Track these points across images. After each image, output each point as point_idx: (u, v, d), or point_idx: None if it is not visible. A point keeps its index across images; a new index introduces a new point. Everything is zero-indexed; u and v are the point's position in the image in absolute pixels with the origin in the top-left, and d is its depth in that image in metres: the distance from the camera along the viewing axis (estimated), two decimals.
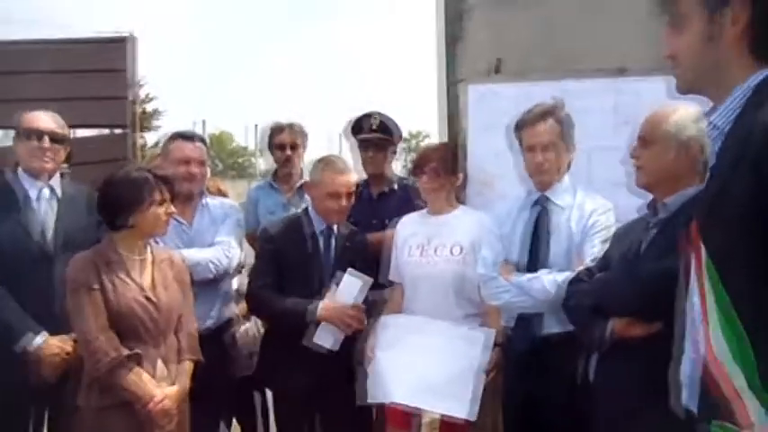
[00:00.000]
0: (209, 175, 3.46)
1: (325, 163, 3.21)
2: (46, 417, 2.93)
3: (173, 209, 2.71)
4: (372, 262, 3.25)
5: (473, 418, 2.89)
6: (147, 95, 17.26)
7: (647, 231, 2.25)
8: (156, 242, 2.85)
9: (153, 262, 2.69)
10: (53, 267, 2.80)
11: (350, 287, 3.01)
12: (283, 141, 4.09)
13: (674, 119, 2.20)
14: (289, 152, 4.07)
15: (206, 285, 3.08)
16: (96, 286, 2.52)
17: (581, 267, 2.54)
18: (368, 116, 3.78)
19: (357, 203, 3.60)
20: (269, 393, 3.56)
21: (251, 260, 3.55)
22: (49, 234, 2.88)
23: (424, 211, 3.28)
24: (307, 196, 3.39)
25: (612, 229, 2.64)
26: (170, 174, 2.85)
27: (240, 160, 47.23)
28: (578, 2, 3.31)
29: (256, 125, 16.72)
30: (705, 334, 1.40)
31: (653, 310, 2.03)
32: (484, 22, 3.44)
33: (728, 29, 1.43)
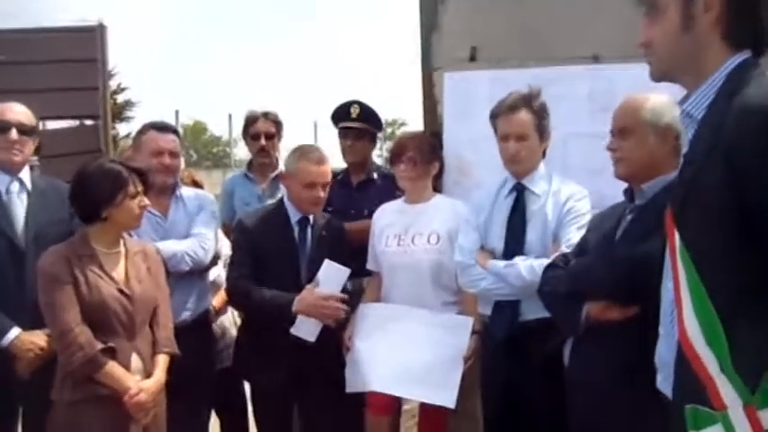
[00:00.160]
0: (183, 166, 3.42)
1: (301, 153, 3.18)
2: (20, 413, 2.89)
3: (147, 201, 2.68)
4: (350, 251, 3.24)
5: (452, 406, 2.91)
6: (118, 86, 16.99)
7: (624, 218, 2.27)
8: (131, 235, 2.82)
9: (126, 255, 2.66)
10: (25, 262, 2.76)
11: (328, 278, 3.00)
12: (258, 131, 4.03)
13: (650, 106, 2.21)
14: (264, 142, 4.01)
15: (182, 277, 3.06)
16: (69, 280, 2.49)
17: (557, 253, 2.57)
18: (349, 105, 3.76)
19: (337, 192, 3.60)
20: (247, 385, 3.55)
21: (227, 251, 3.52)
22: (20, 228, 2.83)
23: (402, 200, 3.28)
24: (282, 186, 3.37)
25: (588, 216, 2.67)
26: (144, 166, 2.82)
27: (215, 150, 46.87)
28: None
29: (230, 114, 16.52)
30: (678, 317, 1.42)
31: (629, 294, 2.06)
32: (459, 11, 3.44)
33: (702, 17, 1.44)
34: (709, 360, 1.34)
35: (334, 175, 3.70)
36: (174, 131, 3.32)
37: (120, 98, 17.55)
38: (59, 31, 4.64)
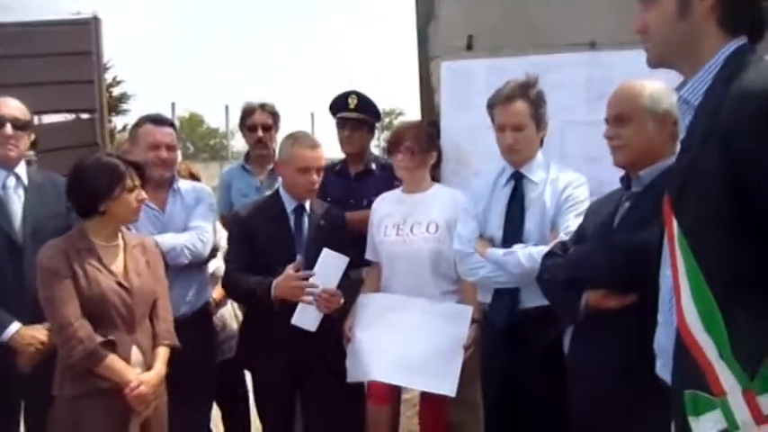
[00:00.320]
0: (180, 158, 3.41)
1: (294, 139, 3.20)
2: (22, 407, 2.89)
3: (144, 195, 2.68)
4: (350, 240, 3.24)
5: (453, 394, 2.92)
6: (114, 79, 16.92)
7: (621, 205, 2.27)
8: (129, 229, 2.82)
9: (125, 248, 2.66)
10: (23, 257, 2.75)
11: (327, 266, 3.00)
12: (255, 122, 4.02)
13: (649, 93, 2.21)
14: (261, 133, 4.00)
15: (181, 271, 3.06)
16: (68, 274, 2.49)
17: (555, 241, 2.57)
18: (347, 95, 3.75)
19: (335, 182, 3.60)
20: (248, 376, 3.56)
21: (225, 244, 3.52)
22: (17, 224, 2.82)
23: (400, 189, 3.28)
24: (279, 177, 3.37)
25: (586, 203, 2.67)
26: (140, 159, 2.81)
27: (212, 142, 46.75)
28: None
29: (227, 106, 16.44)
30: (677, 304, 1.42)
31: (627, 282, 2.06)
32: (456, 0, 3.43)
33: (698, 4, 1.44)
34: (707, 346, 1.34)
35: (332, 165, 3.71)
36: (171, 124, 3.30)
37: (116, 91, 17.49)
38: (54, 24, 4.61)
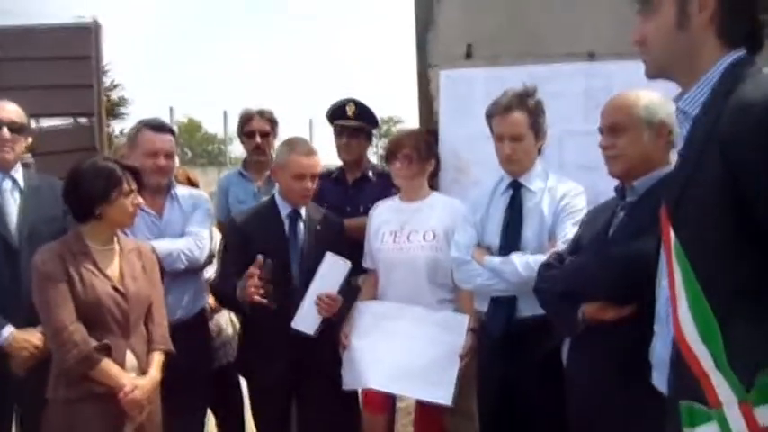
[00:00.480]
0: (177, 164, 3.41)
1: (291, 145, 3.20)
2: (15, 411, 2.88)
3: (140, 200, 2.68)
4: (347, 246, 3.24)
5: (449, 403, 2.91)
6: (112, 83, 16.89)
7: (616, 214, 2.27)
8: (126, 234, 2.82)
9: (121, 252, 2.65)
10: (19, 260, 2.75)
11: (329, 271, 3.00)
12: (253, 129, 4.03)
13: (644, 103, 2.21)
14: (259, 140, 4.00)
15: (177, 276, 3.05)
16: (64, 278, 2.48)
17: (553, 250, 2.57)
18: (344, 103, 3.75)
19: (332, 189, 3.60)
20: (244, 383, 3.55)
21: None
22: (13, 227, 2.82)
23: (397, 197, 3.28)
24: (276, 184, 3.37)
25: (584, 212, 2.67)
26: (137, 164, 2.81)
27: (210, 148, 46.71)
28: None
29: (225, 112, 16.46)
30: (673, 315, 1.42)
31: (624, 293, 2.06)
32: (455, 8, 3.44)
33: (697, 16, 1.44)
34: (704, 357, 1.34)
35: (330, 172, 3.72)
36: (171, 131, 3.29)
37: (114, 95, 17.44)
38: (54, 28, 4.63)
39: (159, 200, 3.16)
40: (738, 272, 1.31)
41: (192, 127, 48.76)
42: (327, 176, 3.64)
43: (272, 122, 4.09)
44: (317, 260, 3.03)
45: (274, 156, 3.59)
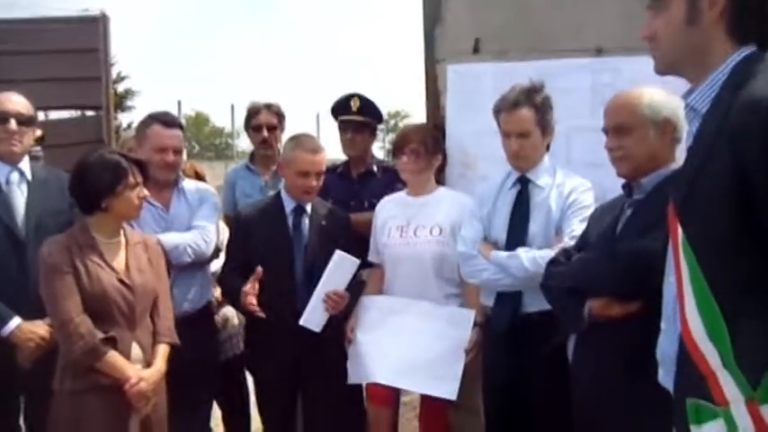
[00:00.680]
0: (185, 157, 3.41)
1: (297, 142, 3.20)
2: (22, 403, 2.90)
3: (146, 192, 2.69)
4: (353, 241, 3.24)
5: (454, 398, 2.92)
6: (118, 75, 16.89)
7: (623, 212, 2.27)
8: (133, 227, 2.82)
9: (127, 245, 2.67)
10: (26, 252, 2.76)
11: (337, 269, 3.00)
12: (260, 122, 4.02)
13: (648, 102, 2.20)
14: (266, 134, 4.00)
15: (184, 269, 3.06)
16: (70, 270, 2.49)
17: (559, 246, 2.56)
18: (349, 98, 3.75)
19: (338, 184, 3.60)
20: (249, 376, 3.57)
21: None
22: (20, 219, 2.83)
23: (404, 192, 3.27)
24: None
25: (591, 209, 2.66)
26: (144, 158, 2.82)
27: (217, 142, 46.81)
28: None
29: (233, 105, 16.48)
30: (681, 312, 1.41)
31: (631, 290, 2.05)
32: (463, 3, 3.42)
33: (707, 12, 1.43)
34: (711, 355, 1.33)
35: (335, 167, 3.71)
36: (179, 126, 3.28)
37: (121, 87, 17.46)
38: (62, 21, 4.62)
39: (166, 193, 3.16)
40: (746, 269, 1.30)
41: (200, 120, 48.87)
42: (333, 171, 3.64)
43: (280, 116, 4.08)
44: (322, 256, 3.03)
45: (281, 150, 3.59)
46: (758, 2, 1.44)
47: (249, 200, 3.74)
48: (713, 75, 1.44)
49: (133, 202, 2.62)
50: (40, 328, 2.71)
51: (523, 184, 2.84)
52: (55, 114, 4.85)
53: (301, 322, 2.97)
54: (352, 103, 3.71)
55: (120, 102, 16.89)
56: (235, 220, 3.31)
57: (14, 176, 2.89)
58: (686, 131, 1.60)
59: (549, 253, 2.56)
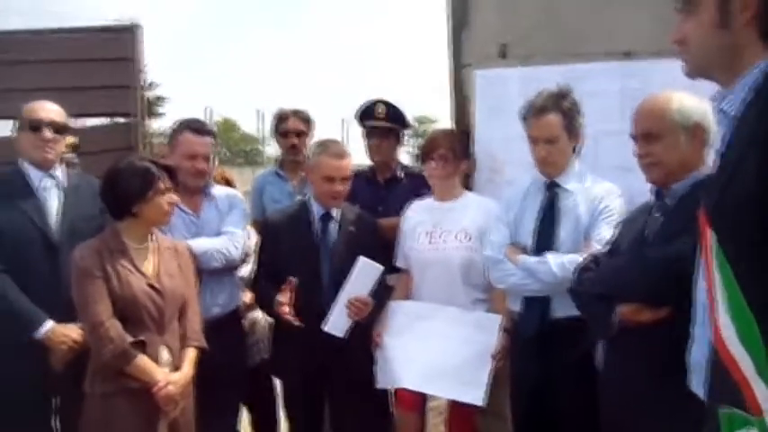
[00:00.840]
0: (216, 164, 3.44)
1: (323, 147, 3.22)
2: (56, 405, 2.94)
3: (175, 198, 2.72)
4: (381, 246, 3.24)
5: (481, 403, 2.91)
6: (148, 82, 17.13)
7: (654, 218, 2.24)
8: (164, 232, 2.86)
9: (157, 250, 2.70)
10: (59, 257, 2.81)
11: (361, 275, 3.01)
12: (288, 129, 4.06)
13: (677, 107, 2.18)
14: (294, 140, 4.04)
15: (213, 274, 3.09)
16: (101, 274, 2.53)
17: (589, 251, 2.54)
18: (374, 104, 3.75)
19: (365, 189, 3.61)
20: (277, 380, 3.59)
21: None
22: (54, 224, 2.89)
23: (432, 197, 3.27)
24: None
25: (620, 215, 2.64)
26: (174, 164, 2.86)
27: (247, 148, 47.15)
28: None
29: (262, 112, 16.65)
30: (713, 319, 1.39)
31: (661, 296, 2.03)
32: (489, 7, 3.42)
33: (739, 15, 1.41)
34: (744, 362, 1.31)
35: (361, 172, 3.73)
36: (211, 133, 3.30)
37: (151, 94, 17.69)
38: (96, 30, 4.72)
39: (197, 199, 3.20)
40: None
41: (228, 126, 49.29)
42: (359, 176, 3.65)
43: (307, 122, 4.12)
44: (349, 261, 3.04)
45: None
46: None
47: (277, 205, 3.77)
48: (744, 78, 1.42)
49: (163, 207, 2.66)
50: (72, 331, 2.76)
51: (552, 189, 2.82)
52: (88, 122, 4.93)
53: (325, 328, 2.98)
54: (377, 109, 3.72)
55: (151, 108, 17.12)
56: (263, 226, 3.35)
57: (48, 182, 2.95)
58: (716, 135, 1.58)
59: (578, 258, 2.53)
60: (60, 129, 2.97)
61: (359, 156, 3.84)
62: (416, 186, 3.48)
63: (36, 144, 2.90)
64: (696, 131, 2.16)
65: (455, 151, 3.14)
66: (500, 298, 2.99)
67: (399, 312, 3.15)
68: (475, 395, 2.91)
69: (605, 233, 2.60)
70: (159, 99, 18.54)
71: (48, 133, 2.91)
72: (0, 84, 4.19)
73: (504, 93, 3.30)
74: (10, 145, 3.04)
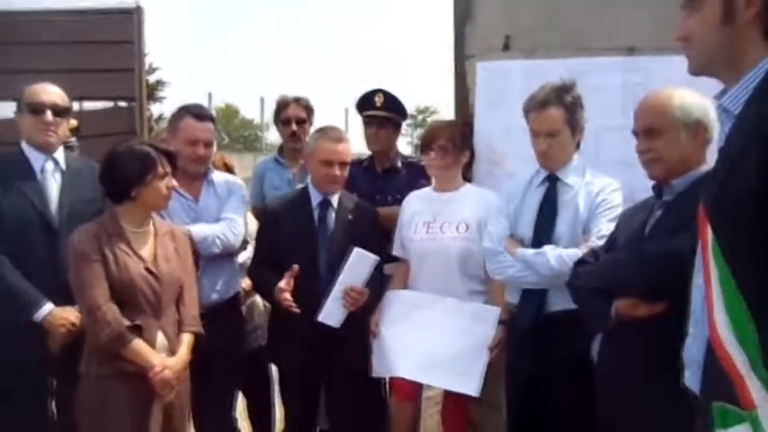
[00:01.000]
0: (215, 149, 3.45)
1: (321, 132, 3.23)
2: (53, 387, 2.96)
3: (174, 182, 2.72)
4: (379, 235, 3.25)
5: (476, 394, 2.93)
6: (150, 66, 17.03)
7: (653, 213, 2.25)
8: (163, 218, 2.86)
9: (155, 235, 2.70)
10: (58, 240, 2.81)
11: (356, 265, 3.01)
12: (289, 116, 4.06)
13: (679, 103, 2.18)
14: (294, 127, 4.04)
15: (212, 260, 3.09)
16: (98, 258, 2.54)
17: (587, 245, 2.55)
18: (373, 93, 3.75)
19: (363, 178, 3.61)
20: (274, 367, 3.60)
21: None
22: (54, 207, 2.89)
23: (431, 188, 3.28)
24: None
25: (620, 209, 2.64)
26: (174, 149, 2.86)
27: (246, 134, 47.06)
28: None
29: (262, 98, 16.57)
30: (709, 315, 1.40)
31: (659, 291, 2.04)
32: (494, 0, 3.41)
33: (743, 12, 1.41)
34: (739, 358, 1.32)
35: (360, 161, 3.73)
36: (211, 119, 3.30)
37: (152, 78, 17.58)
38: (98, 12, 4.69)
39: (196, 185, 3.20)
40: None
41: (230, 112, 49.16)
42: (358, 165, 3.65)
43: (308, 110, 4.11)
44: (346, 249, 3.04)
45: None
46: None
47: (277, 192, 3.78)
48: (747, 76, 1.42)
49: (162, 191, 2.66)
50: (70, 314, 2.77)
51: (552, 182, 2.82)
52: (88, 105, 4.92)
53: (318, 318, 2.98)
54: (376, 99, 3.72)
55: (152, 93, 17.02)
56: (262, 213, 3.35)
57: (49, 165, 2.94)
58: (718, 133, 1.58)
59: (576, 252, 2.55)
60: (62, 112, 2.96)
61: (359, 145, 3.84)
62: (415, 176, 3.49)
63: (37, 127, 2.90)
64: (697, 128, 2.17)
65: (455, 142, 3.14)
66: (499, 290, 3.00)
67: (396, 302, 3.16)
68: (470, 386, 2.93)
69: (604, 227, 2.60)
70: (159, 83, 18.42)
71: (49, 116, 2.90)
72: (2, 64, 4.18)
73: (506, 85, 3.30)
74: (12, 127, 3.04)
